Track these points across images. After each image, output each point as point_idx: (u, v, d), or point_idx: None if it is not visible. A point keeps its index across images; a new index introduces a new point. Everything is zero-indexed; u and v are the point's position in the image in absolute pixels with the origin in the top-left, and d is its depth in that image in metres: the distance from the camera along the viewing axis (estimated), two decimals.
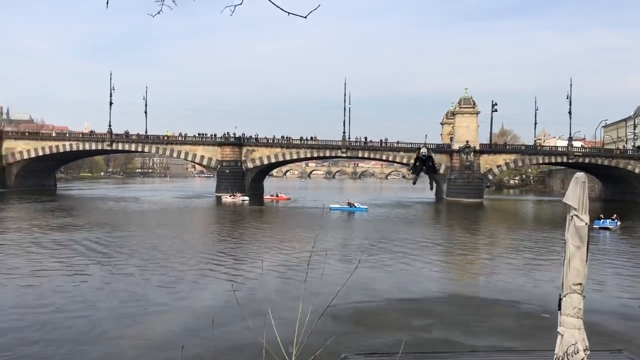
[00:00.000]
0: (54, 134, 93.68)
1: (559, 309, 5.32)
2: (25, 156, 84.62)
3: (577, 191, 5.20)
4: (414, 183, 63.83)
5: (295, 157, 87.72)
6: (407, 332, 13.44)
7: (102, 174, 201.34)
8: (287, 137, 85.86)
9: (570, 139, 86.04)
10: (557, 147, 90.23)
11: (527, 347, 11.06)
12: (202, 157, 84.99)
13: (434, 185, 54.71)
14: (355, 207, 55.71)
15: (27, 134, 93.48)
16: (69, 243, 28.24)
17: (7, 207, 54.50)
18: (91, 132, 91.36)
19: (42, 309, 15.30)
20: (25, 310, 15.15)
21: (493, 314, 16.02)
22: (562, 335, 5.27)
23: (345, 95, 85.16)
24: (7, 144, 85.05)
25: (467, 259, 28.05)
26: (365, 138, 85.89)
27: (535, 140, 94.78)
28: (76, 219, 42.34)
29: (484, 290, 19.48)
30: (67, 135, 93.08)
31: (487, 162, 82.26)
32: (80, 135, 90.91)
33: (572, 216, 5.20)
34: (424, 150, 54.23)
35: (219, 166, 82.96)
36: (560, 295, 5.30)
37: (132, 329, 13.67)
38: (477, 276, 23.26)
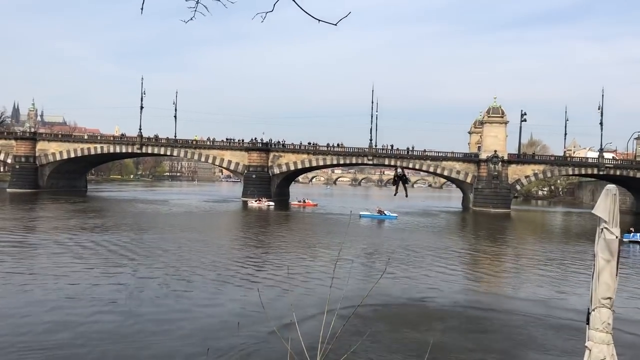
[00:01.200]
0: (85, 137, 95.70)
1: (587, 324, 5.25)
2: (58, 157, 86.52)
3: (608, 203, 5.13)
4: (395, 194, 66.10)
5: (321, 163, 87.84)
6: (431, 341, 13.32)
7: (131, 176, 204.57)
8: (313, 144, 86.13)
9: (601, 150, 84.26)
10: (587, 158, 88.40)
11: None
12: (230, 161, 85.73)
13: (398, 190, 56.49)
14: (385, 214, 55.66)
15: (60, 135, 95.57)
16: (100, 244, 28.73)
17: (40, 207, 55.78)
18: (122, 135, 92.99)
19: (72, 309, 15.62)
20: (57, 309, 15.49)
21: (519, 326, 15.76)
22: (590, 350, 5.20)
23: (372, 102, 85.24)
24: (41, 145, 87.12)
25: (494, 270, 27.68)
26: (392, 146, 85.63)
27: (565, 151, 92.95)
28: (107, 221, 43.12)
29: (510, 302, 19.17)
30: (99, 137, 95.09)
31: (515, 172, 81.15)
32: (111, 138, 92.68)
33: (602, 229, 5.13)
34: (399, 170, 56.96)
35: (246, 171, 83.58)
36: (588, 309, 5.23)
37: (159, 330, 13.83)
38: (504, 288, 22.91)
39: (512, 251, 35.47)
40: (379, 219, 54.23)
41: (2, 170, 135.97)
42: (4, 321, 14.20)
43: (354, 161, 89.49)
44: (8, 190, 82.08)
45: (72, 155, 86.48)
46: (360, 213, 57.02)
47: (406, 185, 17.63)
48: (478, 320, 16.62)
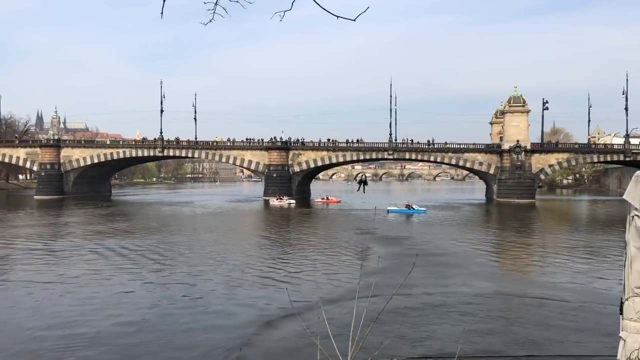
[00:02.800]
0: (108, 142, 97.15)
1: (621, 313, 5.16)
2: (82, 163, 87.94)
3: (639, 190, 5.02)
4: (358, 190, 70.72)
5: (341, 160, 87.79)
6: (462, 337, 13.22)
7: (154, 179, 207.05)
8: (333, 140, 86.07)
9: (627, 136, 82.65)
10: (613, 144, 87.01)
11: (587, 352, 10.72)
12: (250, 161, 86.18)
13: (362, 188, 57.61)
14: (413, 209, 55.27)
15: (83, 142, 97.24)
16: (128, 247, 29.13)
17: (67, 212, 56.79)
18: (143, 139, 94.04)
19: (103, 313, 15.88)
20: (92, 312, 15.77)
21: (551, 316, 15.56)
22: (624, 340, 5.11)
23: (391, 96, 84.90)
24: (65, 152, 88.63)
25: (526, 261, 27.36)
26: (411, 140, 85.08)
27: (589, 139, 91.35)
28: (133, 224, 43.79)
29: (543, 292, 18.88)
30: (121, 142, 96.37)
31: (538, 161, 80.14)
32: (133, 142, 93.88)
33: (632, 216, 5.02)
34: (363, 176, 64.24)
35: (266, 170, 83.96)
36: (621, 298, 5.14)
37: (188, 330, 13.98)
38: (537, 278, 22.50)
39: (542, 241, 35.07)
40: (407, 214, 53.82)
41: (29, 177, 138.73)
42: (53, 320, 14.53)
43: (374, 156, 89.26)
44: (35, 197, 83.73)
45: (96, 161, 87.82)
46: (388, 208, 56.73)
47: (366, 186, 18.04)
48: (509, 309, 16.48)
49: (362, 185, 58.20)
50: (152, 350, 12.55)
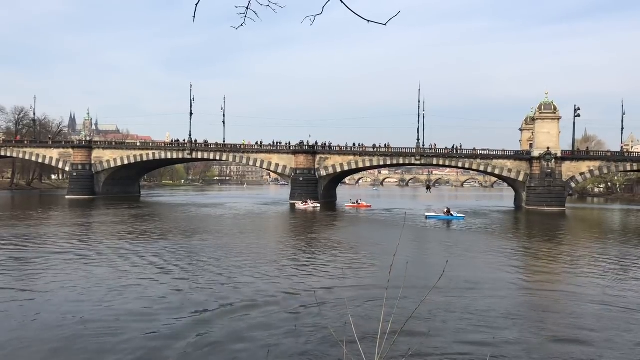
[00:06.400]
0: (138, 144, 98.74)
1: None
2: (112, 165, 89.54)
3: None
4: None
5: (368, 164, 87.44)
6: (491, 345, 13.02)
7: (182, 181, 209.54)
8: (360, 145, 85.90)
9: None
10: None
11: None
12: (277, 165, 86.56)
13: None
14: (452, 215, 54.62)
15: (114, 143, 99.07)
16: (160, 247, 29.60)
17: (99, 213, 57.83)
18: (173, 141, 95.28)
19: (133, 307, 16.12)
20: (127, 308, 16.03)
21: (583, 329, 15.20)
22: None
23: (419, 101, 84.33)
24: (96, 153, 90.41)
25: (562, 271, 26.81)
26: (436, 145, 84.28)
27: (622, 146, 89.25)
28: (164, 225, 44.45)
29: (575, 304, 18.48)
30: (150, 144, 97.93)
31: (569, 169, 78.66)
32: (163, 145, 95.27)
33: None
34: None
35: (293, 174, 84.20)
36: None
37: (216, 330, 14.08)
38: (574, 289, 22.02)
39: (574, 251, 34.27)
40: (445, 220, 53.06)
41: (61, 178, 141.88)
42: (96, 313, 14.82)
43: (401, 161, 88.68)
44: (67, 197, 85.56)
45: (126, 162, 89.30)
46: (426, 214, 56.21)
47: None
48: (542, 315, 16.19)
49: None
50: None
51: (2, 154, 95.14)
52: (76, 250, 28.35)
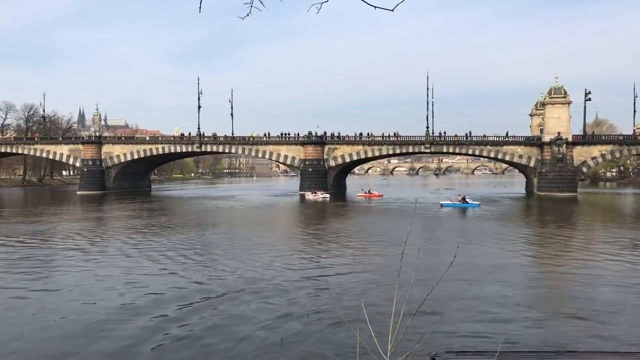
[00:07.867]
0: (147, 138, 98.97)
1: None
2: (122, 159, 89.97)
3: None
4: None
5: (377, 154, 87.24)
6: (504, 330, 12.93)
7: (192, 174, 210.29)
8: (368, 134, 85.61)
9: None
10: None
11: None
12: (286, 156, 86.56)
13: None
14: (468, 203, 54.48)
15: (123, 138, 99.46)
16: (173, 241, 29.79)
17: (112, 208, 58.06)
18: (182, 135, 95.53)
19: (144, 301, 16.19)
20: (140, 301, 16.13)
21: (597, 316, 15.05)
22: None
23: (428, 89, 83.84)
24: (106, 148, 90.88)
25: (576, 259, 26.58)
26: (445, 133, 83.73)
27: (634, 130, 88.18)
28: (176, 218, 44.60)
29: (590, 288, 18.29)
30: (160, 138, 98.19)
31: (580, 154, 78.00)
32: (172, 138, 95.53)
33: None
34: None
35: (302, 165, 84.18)
36: None
37: (229, 322, 14.09)
38: (585, 271, 21.82)
39: (588, 236, 34.00)
40: (461, 208, 52.92)
41: (72, 173, 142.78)
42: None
43: (410, 150, 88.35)
44: (78, 192, 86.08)
45: (136, 157, 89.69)
46: (442, 202, 56.10)
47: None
48: (555, 300, 16.07)
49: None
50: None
51: (14, 151, 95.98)
52: (92, 246, 28.48)
